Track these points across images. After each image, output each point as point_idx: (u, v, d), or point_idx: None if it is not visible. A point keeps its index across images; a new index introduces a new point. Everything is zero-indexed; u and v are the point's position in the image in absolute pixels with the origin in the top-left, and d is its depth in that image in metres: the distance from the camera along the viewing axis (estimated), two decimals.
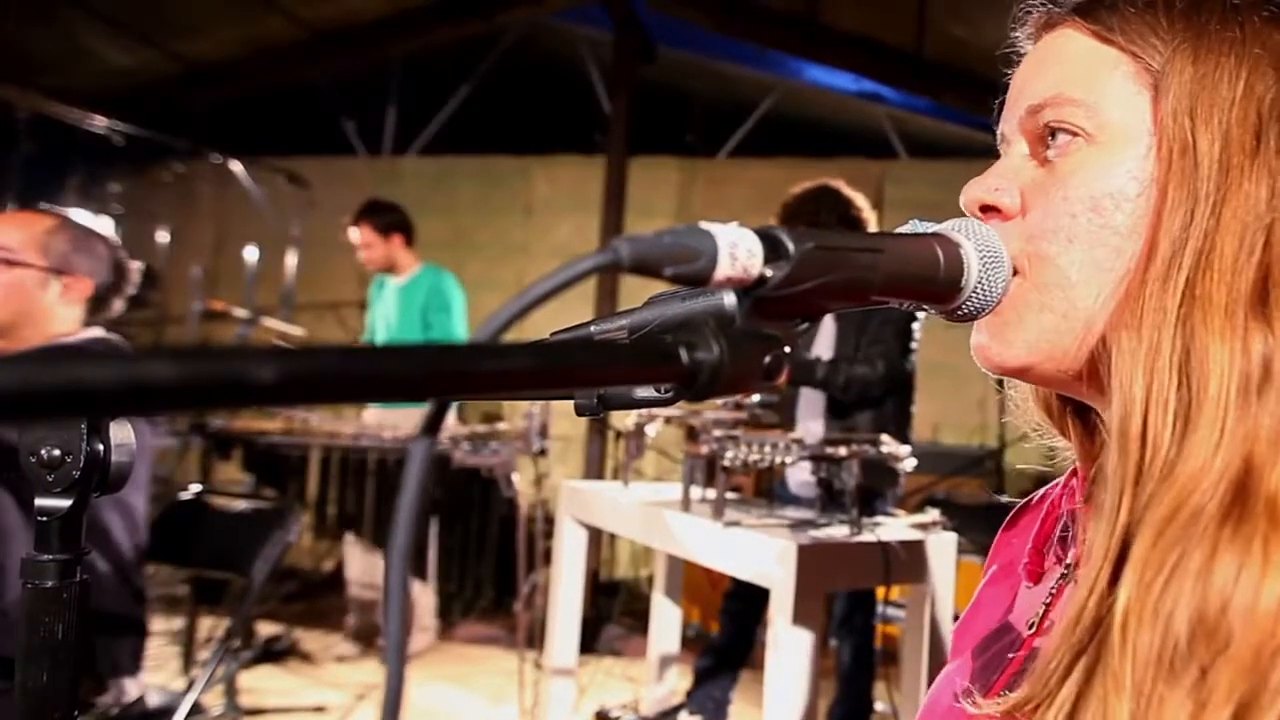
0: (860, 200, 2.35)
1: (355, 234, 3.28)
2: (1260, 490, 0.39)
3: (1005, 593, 0.58)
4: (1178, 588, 0.38)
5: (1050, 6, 0.50)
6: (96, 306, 1.54)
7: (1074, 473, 0.56)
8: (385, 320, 3.40)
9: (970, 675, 0.55)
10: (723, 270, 0.37)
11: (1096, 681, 0.40)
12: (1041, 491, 0.59)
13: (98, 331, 1.53)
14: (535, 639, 2.72)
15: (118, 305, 1.57)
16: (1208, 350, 0.40)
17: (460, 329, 3.39)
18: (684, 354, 0.35)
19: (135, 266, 1.60)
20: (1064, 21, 0.49)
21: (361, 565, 3.32)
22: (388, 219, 3.29)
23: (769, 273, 0.39)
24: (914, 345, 2.35)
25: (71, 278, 1.49)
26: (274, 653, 3.20)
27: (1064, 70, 0.47)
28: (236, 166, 4.51)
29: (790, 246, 0.40)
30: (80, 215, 1.60)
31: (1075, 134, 0.46)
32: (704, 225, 0.37)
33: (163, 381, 0.22)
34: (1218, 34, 0.44)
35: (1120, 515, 0.42)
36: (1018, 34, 0.52)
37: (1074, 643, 0.41)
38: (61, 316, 1.49)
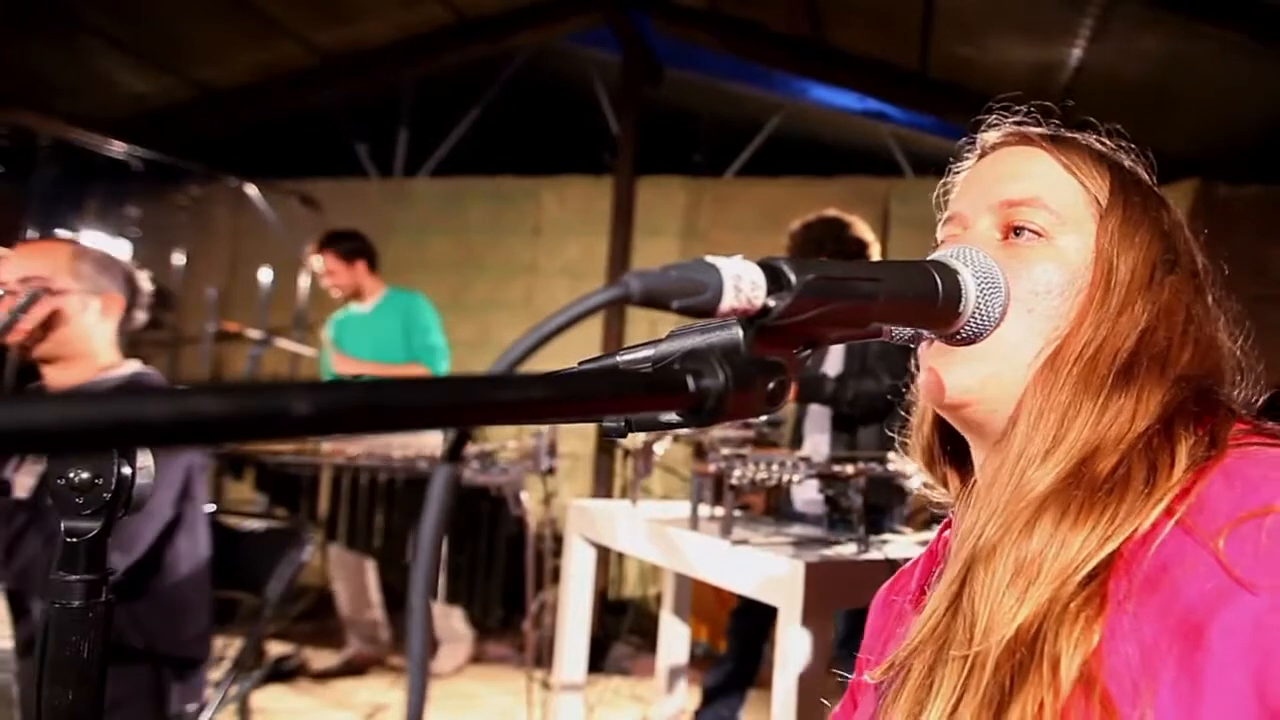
0: (862, 224, 2.43)
1: (319, 262, 3.28)
2: (1088, 469, 0.52)
3: (895, 622, 0.68)
4: (1014, 557, 0.51)
5: (1024, 126, 0.64)
6: (125, 321, 1.61)
7: (948, 523, 0.69)
8: (358, 348, 3.35)
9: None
10: (728, 302, 0.39)
11: (949, 661, 0.52)
12: (925, 548, 0.73)
13: (136, 365, 1.60)
14: (543, 658, 2.71)
15: (140, 317, 1.63)
16: (1080, 409, 0.55)
17: (442, 345, 3.41)
18: (691, 382, 0.37)
19: (142, 277, 1.66)
20: (1036, 143, 0.63)
21: (359, 586, 3.31)
22: (350, 245, 3.29)
23: (772, 303, 0.41)
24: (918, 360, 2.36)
25: (106, 296, 1.55)
26: (283, 672, 3.20)
27: (1041, 184, 0.61)
28: (251, 190, 4.57)
29: (792, 278, 0.42)
30: (88, 237, 1.66)
31: (1039, 234, 0.59)
32: (709, 259, 0.39)
33: (214, 416, 0.23)
34: (1133, 193, 0.61)
35: (976, 531, 0.54)
36: (983, 133, 0.66)
37: (934, 624, 0.55)
38: (101, 337, 1.56)
